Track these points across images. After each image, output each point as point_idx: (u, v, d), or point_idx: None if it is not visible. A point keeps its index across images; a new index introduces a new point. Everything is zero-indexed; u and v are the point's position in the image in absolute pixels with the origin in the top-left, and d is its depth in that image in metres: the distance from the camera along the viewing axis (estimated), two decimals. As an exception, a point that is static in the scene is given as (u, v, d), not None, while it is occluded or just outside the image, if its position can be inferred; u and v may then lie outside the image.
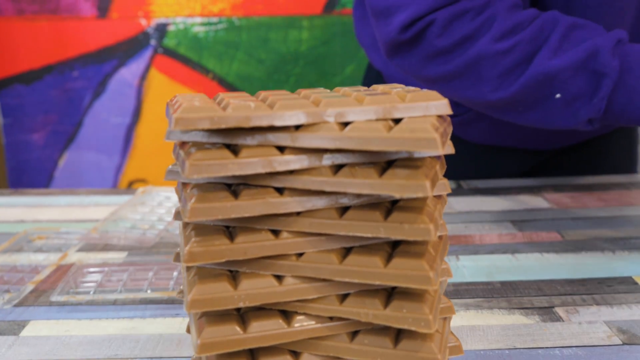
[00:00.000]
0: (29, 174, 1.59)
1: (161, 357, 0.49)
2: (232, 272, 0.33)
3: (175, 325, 0.53)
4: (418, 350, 0.32)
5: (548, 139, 0.89)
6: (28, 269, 0.64)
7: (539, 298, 0.57)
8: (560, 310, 0.55)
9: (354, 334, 0.34)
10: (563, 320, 0.53)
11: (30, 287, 0.60)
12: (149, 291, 0.58)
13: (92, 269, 0.63)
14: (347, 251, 0.33)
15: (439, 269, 0.33)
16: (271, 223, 0.32)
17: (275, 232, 0.33)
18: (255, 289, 0.32)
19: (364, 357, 0.33)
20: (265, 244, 0.32)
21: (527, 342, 0.50)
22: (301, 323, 0.33)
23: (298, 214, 0.33)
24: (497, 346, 0.49)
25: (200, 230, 0.33)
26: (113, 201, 0.87)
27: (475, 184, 0.93)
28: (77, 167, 1.60)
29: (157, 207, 0.80)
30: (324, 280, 0.33)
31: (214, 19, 1.55)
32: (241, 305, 0.32)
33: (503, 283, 0.60)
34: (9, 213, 0.84)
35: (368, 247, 0.33)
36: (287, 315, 0.33)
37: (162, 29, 1.55)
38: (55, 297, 0.57)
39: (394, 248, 0.33)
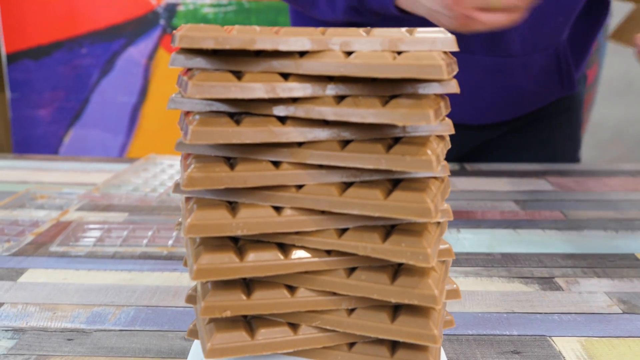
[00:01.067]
0: (34, 149, 1.59)
1: (157, 306, 0.48)
2: (232, 204, 0.33)
3: (172, 279, 0.53)
4: (415, 286, 0.32)
5: (482, 111, 0.89)
6: (28, 224, 0.64)
7: (539, 269, 0.57)
8: (560, 281, 0.54)
9: (351, 270, 0.33)
10: (563, 290, 0.53)
11: (29, 237, 0.60)
12: (147, 246, 0.58)
13: (92, 226, 0.63)
14: (347, 185, 0.33)
15: (439, 204, 0.32)
16: (272, 154, 0.32)
17: (276, 164, 0.32)
18: (254, 217, 0.32)
19: (361, 292, 0.33)
20: (265, 174, 0.32)
21: (526, 307, 0.50)
22: (298, 256, 0.33)
23: (300, 145, 0.32)
24: (495, 310, 0.49)
25: (201, 158, 0.32)
26: (116, 168, 0.87)
27: (479, 166, 0.92)
28: (81, 144, 1.60)
29: (160, 173, 0.80)
30: (323, 212, 0.33)
31: (224, 1, 1.55)
32: (239, 233, 0.32)
33: (503, 254, 0.60)
34: (12, 174, 0.84)
35: (369, 182, 0.32)
36: (284, 248, 0.33)
37: (171, 9, 1.55)
38: (54, 248, 0.57)
39: (394, 185, 0.33)
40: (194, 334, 0.37)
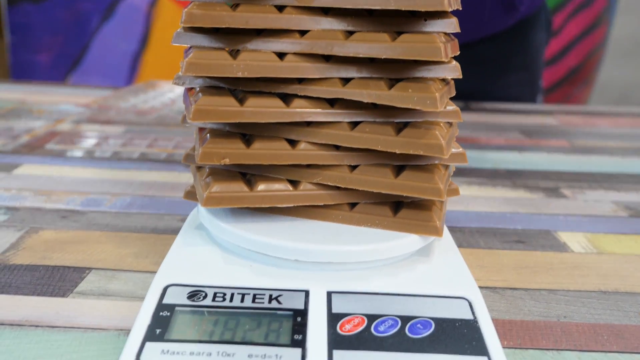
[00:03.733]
0: (33, 95, 1.58)
1: (154, 196, 0.47)
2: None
3: (171, 177, 0.52)
4: (421, 137, 0.31)
5: None
6: (24, 130, 0.63)
7: (545, 181, 0.56)
8: (566, 191, 0.53)
9: (355, 124, 0.32)
10: (569, 198, 0.52)
11: (25, 139, 0.59)
12: (147, 147, 0.57)
13: (89, 133, 0.61)
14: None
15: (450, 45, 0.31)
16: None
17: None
18: (255, 60, 0.31)
19: (364, 144, 0.31)
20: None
21: (530, 209, 0.48)
22: (301, 105, 0.32)
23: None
24: (499, 210, 0.48)
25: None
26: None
27: (484, 105, 0.91)
28: (81, 92, 1.58)
29: (160, 96, 0.79)
30: (327, 59, 0.31)
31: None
32: (240, 75, 0.30)
33: (508, 170, 0.59)
34: (10, 95, 0.82)
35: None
36: (286, 99, 0.32)
37: (175, -44, 1.53)
38: (50, 146, 0.56)
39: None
40: (190, 195, 0.36)
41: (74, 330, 0.29)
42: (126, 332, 0.29)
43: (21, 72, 1.57)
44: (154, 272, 0.35)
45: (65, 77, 1.58)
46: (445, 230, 0.37)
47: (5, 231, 0.40)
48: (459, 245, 0.41)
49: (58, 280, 0.34)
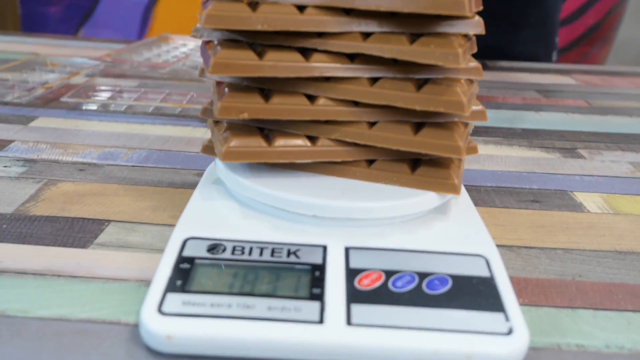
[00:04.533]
0: (44, 48, 1.57)
1: (170, 150, 0.47)
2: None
3: (186, 131, 0.52)
4: (442, 94, 0.30)
5: None
6: (39, 82, 0.63)
7: (561, 141, 0.55)
8: (583, 152, 0.53)
9: (374, 80, 0.32)
10: (585, 158, 0.51)
11: (40, 91, 0.59)
12: (161, 102, 0.56)
13: (103, 87, 0.61)
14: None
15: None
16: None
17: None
18: (276, 13, 0.30)
19: (384, 100, 0.31)
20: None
21: (547, 169, 0.48)
22: (320, 59, 0.31)
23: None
24: (515, 169, 0.48)
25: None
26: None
27: (500, 64, 0.90)
28: (93, 46, 1.57)
29: (173, 50, 0.78)
30: (347, 13, 0.31)
31: None
32: (259, 28, 0.30)
33: (525, 129, 0.58)
34: (22, 47, 0.82)
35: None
36: (306, 53, 0.31)
37: None
38: (65, 99, 0.56)
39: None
40: (208, 149, 0.36)
41: (95, 281, 0.29)
42: (146, 283, 0.29)
43: (31, 24, 1.56)
44: (172, 226, 0.35)
45: (76, 30, 1.57)
46: (462, 189, 0.37)
47: (24, 183, 0.40)
48: (475, 204, 0.41)
49: (78, 232, 0.34)
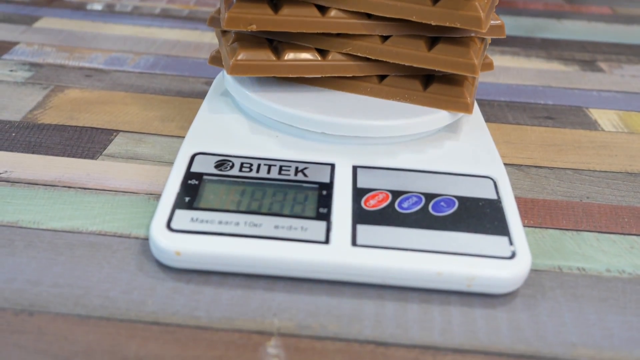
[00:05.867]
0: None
1: (178, 56, 0.46)
2: None
3: (194, 35, 0.50)
4: (460, 7, 0.29)
5: None
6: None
7: (581, 53, 0.53)
8: (603, 64, 0.51)
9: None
10: (605, 72, 0.50)
11: (43, -11, 0.57)
12: (168, 3, 0.54)
13: (108, -15, 0.59)
14: None
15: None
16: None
17: None
18: None
19: (398, 13, 0.30)
20: None
21: (564, 83, 0.47)
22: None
23: None
24: (531, 83, 0.47)
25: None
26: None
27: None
28: None
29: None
30: None
31: None
32: None
33: (544, 39, 0.56)
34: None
35: None
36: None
37: None
38: (69, -2, 0.54)
39: None
40: (216, 60, 0.35)
41: (105, 193, 0.30)
42: (155, 196, 0.30)
43: None
44: (180, 137, 0.35)
45: None
46: (475, 106, 0.36)
47: (31, 89, 0.40)
48: (487, 120, 0.40)
49: (87, 142, 0.34)
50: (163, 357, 0.21)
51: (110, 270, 0.25)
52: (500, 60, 0.51)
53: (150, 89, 0.41)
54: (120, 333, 0.22)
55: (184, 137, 0.35)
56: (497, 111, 0.42)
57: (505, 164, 0.35)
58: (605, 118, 0.42)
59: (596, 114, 0.42)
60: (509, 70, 0.49)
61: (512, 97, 0.44)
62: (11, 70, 0.42)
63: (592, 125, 0.40)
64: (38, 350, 0.21)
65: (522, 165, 0.35)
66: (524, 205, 0.32)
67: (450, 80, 0.32)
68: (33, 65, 0.43)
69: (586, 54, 0.53)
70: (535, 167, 0.35)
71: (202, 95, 0.40)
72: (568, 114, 0.42)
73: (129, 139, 0.35)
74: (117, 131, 0.35)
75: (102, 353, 0.21)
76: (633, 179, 0.35)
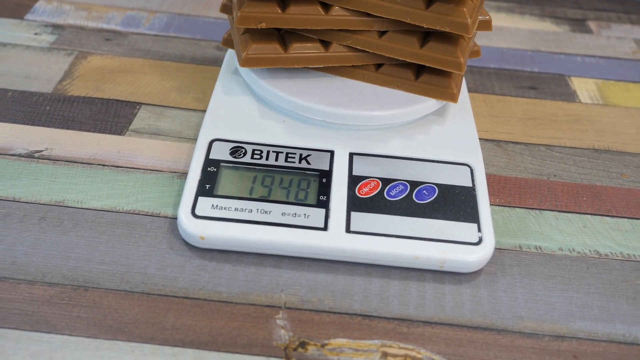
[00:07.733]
0: None
1: (189, 15, 0.49)
2: None
3: (202, -11, 0.53)
4: (449, 14, 0.32)
5: None
6: None
7: (574, 10, 0.56)
8: (592, 24, 0.54)
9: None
10: (593, 33, 0.52)
11: None
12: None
13: None
14: None
15: None
16: None
17: None
18: None
19: (394, 15, 0.33)
20: None
21: (552, 47, 0.50)
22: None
23: None
24: (521, 46, 0.50)
25: None
26: None
27: None
28: None
29: None
30: None
31: None
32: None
33: (540, -8, 0.58)
34: None
35: None
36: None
37: None
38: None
39: None
40: (228, 42, 0.38)
41: (135, 171, 0.34)
42: (178, 174, 0.34)
43: None
44: (197, 110, 0.39)
45: None
46: (464, 90, 0.40)
47: (57, 55, 0.43)
48: (475, 90, 0.44)
49: (113, 116, 0.38)
50: (195, 327, 0.27)
51: (145, 249, 0.30)
52: (496, 18, 0.53)
53: (165, 55, 0.44)
54: (159, 307, 0.28)
55: (200, 110, 0.39)
56: (485, 80, 0.45)
57: (486, 139, 0.39)
58: (585, 88, 0.45)
59: (577, 83, 0.46)
60: (501, 31, 0.51)
61: (501, 64, 0.47)
62: (36, 34, 0.45)
63: (571, 97, 0.44)
64: (95, 321, 0.27)
65: (501, 141, 0.40)
66: (497, 183, 0.36)
67: (440, 71, 0.36)
68: (55, 27, 0.46)
69: (578, 12, 0.55)
70: (513, 143, 0.40)
71: (214, 61, 0.44)
72: (551, 83, 0.45)
73: (151, 112, 0.39)
74: (140, 104, 0.39)
75: (146, 324, 0.27)
76: (598, 155, 0.39)
